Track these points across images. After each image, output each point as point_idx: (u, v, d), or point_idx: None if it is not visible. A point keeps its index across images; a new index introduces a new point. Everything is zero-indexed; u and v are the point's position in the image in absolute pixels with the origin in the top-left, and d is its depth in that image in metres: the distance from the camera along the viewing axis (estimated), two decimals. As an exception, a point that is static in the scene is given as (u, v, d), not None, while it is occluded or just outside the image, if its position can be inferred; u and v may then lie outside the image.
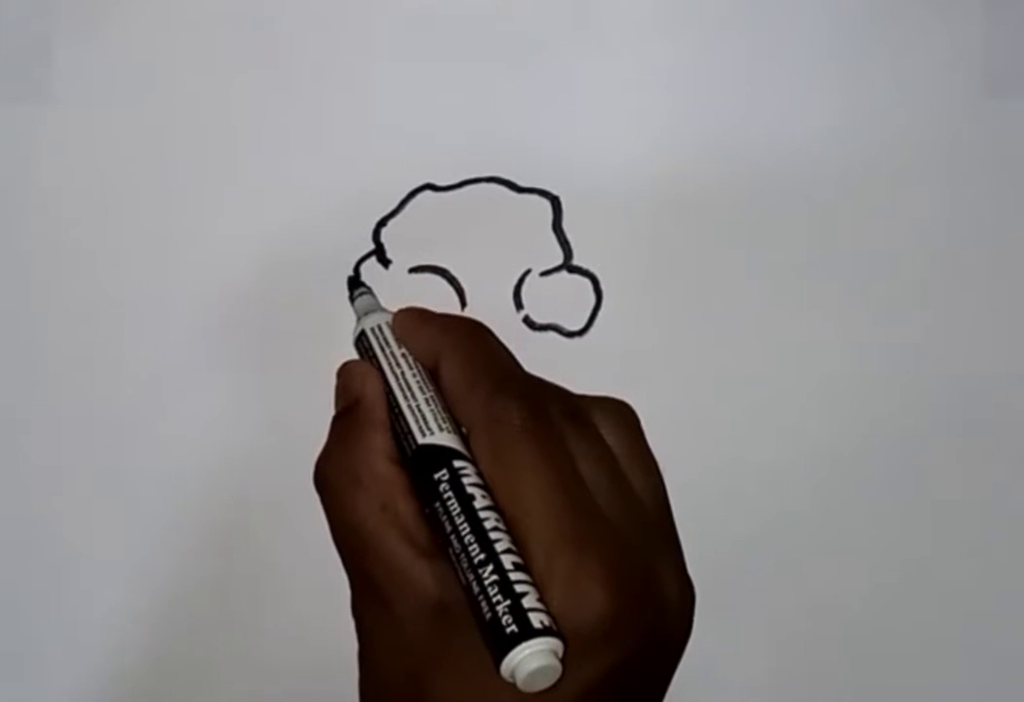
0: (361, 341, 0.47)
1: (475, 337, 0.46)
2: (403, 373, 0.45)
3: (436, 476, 0.41)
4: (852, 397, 0.55)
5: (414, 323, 0.46)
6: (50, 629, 0.55)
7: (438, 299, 0.54)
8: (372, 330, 0.47)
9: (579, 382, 0.46)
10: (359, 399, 0.45)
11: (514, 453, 0.41)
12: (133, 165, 0.55)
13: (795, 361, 0.55)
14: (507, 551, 0.39)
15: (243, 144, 0.55)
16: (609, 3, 0.56)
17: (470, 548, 0.39)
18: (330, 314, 0.52)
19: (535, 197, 0.55)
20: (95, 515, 0.55)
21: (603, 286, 0.55)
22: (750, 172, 0.55)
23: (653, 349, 0.55)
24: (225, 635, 0.55)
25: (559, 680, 0.38)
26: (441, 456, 0.42)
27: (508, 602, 0.38)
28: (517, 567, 0.39)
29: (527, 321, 0.55)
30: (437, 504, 0.41)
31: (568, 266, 0.55)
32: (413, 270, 0.55)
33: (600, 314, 0.55)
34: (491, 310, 0.53)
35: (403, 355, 0.45)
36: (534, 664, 0.37)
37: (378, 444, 0.43)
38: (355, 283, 0.51)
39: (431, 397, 0.44)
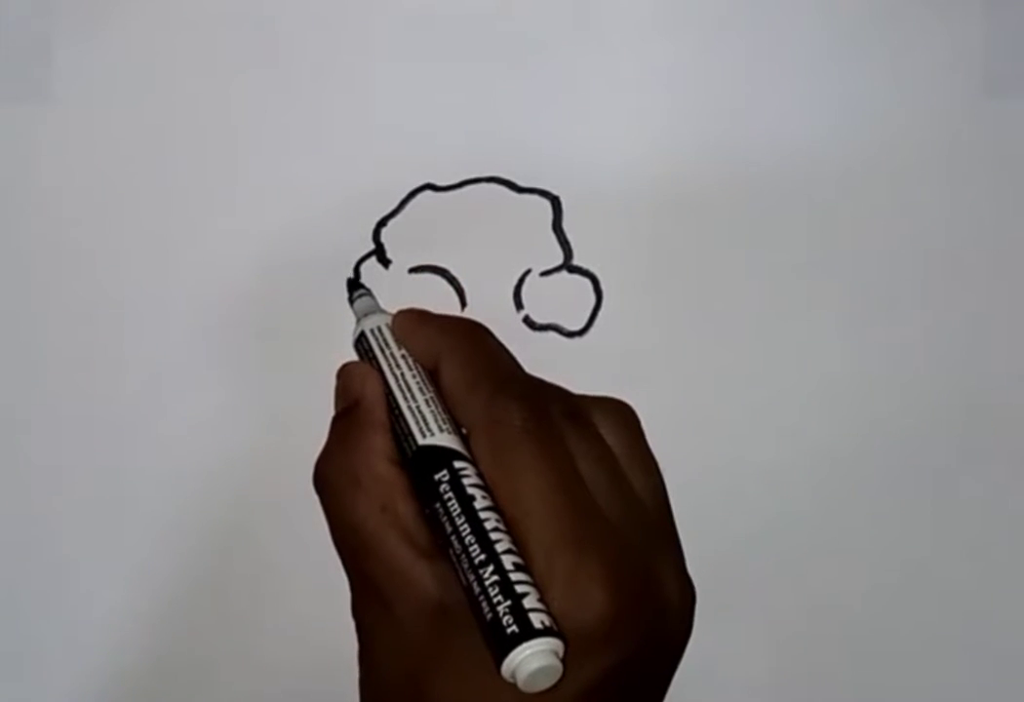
0: (361, 342, 0.47)
1: (475, 338, 0.46)
2: (403, 374, 0.45)
3: (436, 477, 0.41)
4: (852, 397, 0.55)
5: (413, 324, 0.46)
6: (50, 629, 0.55)
7: (438, 299, 0.54)
8: (372, 332, 0.47)
9: (579, 382, 0.46)
10: (359, 400, 0.45)
11: (514, 454, 0.41)
12: (133, 165, 0.55)
13: (795, 361, 0.55)
14: (508, 551, 0.39)
15: (243, 144, 0.55)
16: (609, 3, 0.55)
17: (471, 549, 0.39)
18: (330, 314, 0.52)
19: (535, 197, 0.55)
20: (95, 515, 0.55)
21: (603, 286, 0.55)
22: (750, 172, 0.55)
23: (653, 349, 0.55)
24: (225, 635, 0.55)
25: (560, 680, 0.38)
26: (441, 457, 0.42)
27: (509, 602, 0.38)
28: (518, 567, 0.39)
29: (527, 321, 0.55)
30: (438, 505, 0.41)
31: (568, 266, 0.55)
32: (413, 270, 0.55)
33: (600, 314, 0.55)
34: (491, 310, 0.53)
35: (403, 356, 0.45)
36: (535, 664, 0.37)
37: (378, 445, 0.43)
38: (354, 285, 0.51)
39: (431, 398, 0.44)
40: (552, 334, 0.55)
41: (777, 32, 0.56)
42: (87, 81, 0.55)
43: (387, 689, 0.42)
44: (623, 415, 0.45)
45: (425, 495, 0.41)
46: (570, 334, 0.55)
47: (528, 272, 0.55)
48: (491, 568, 0.39)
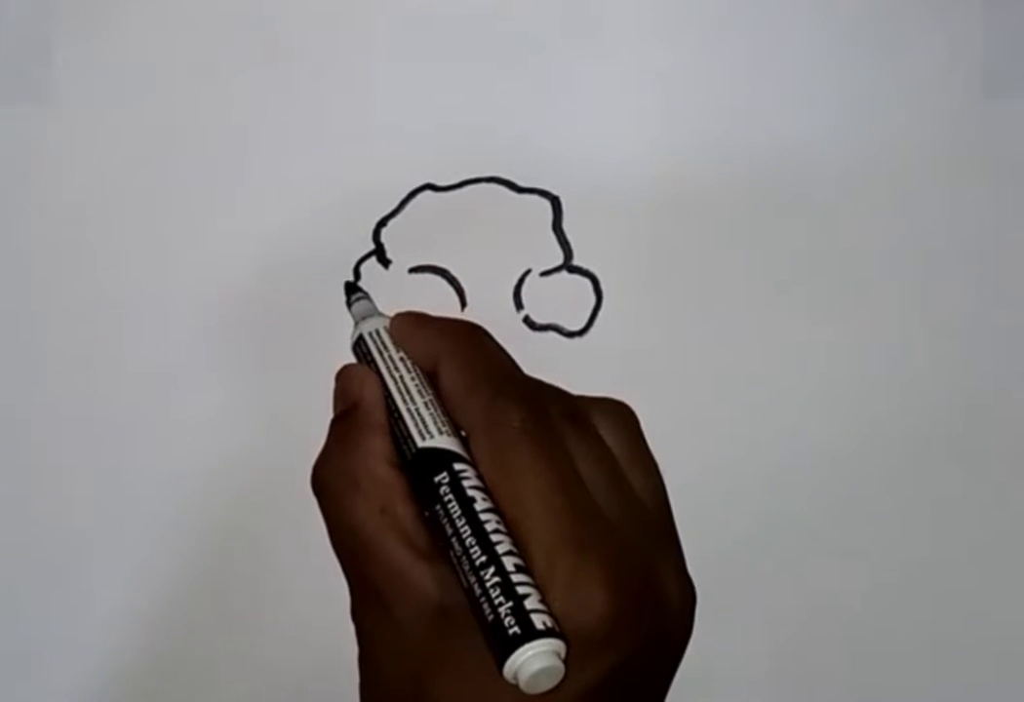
0: (359, 346, 0.47)
1: (473, 340, 0.46)
2: (402, 377, 0.45)
3: (436, 479, 0.41)
4: (852, 397, 0.55)
5: (411, 327, 0.46)
6: (50, 629, 0.55)
7: (438, 299, 0.54)
8: (370, 334, 0.47)
9: (579, 382, 0.46)
10: (358, 402, 0.45)
11: (514, 455, 0.41)
12: (133, 165, 0.55)
13: (795, 361, 0.55)
14: (508, 553, 0.39)
15: (243, 144, 0.55)
16: (609, 3, 0.55)
17: (471, 550, 0.39)
18: (330, 314, 0.52)
19: (535, 197, 0.55)
20: (95, 515, 0.55)
21: (603, 286, 0.55)
22: (750, 172, 0.55)
23: (653, 349, 0.55)
24: (225, 635, 0.55)
25: (561, 681, 0.38)
26: (441, 459, 0.42)
27: (510, 604, 0.38)
28: (519, 569, 0.39)
29: (527, 321, 0.55)
30: (438, 507, 0.41)
31: (568, 266, 0.55)
32: (413, 270, 0.55)
33: (600, 314, 0.55)
34: (491, 310, 0.53)
35: (401, 359, 0.45)
36: (537, 665, 0.37)
37: (377, 447, 0.43)
38: (352, 288, 0.51)
39: (430, 401, 0.44)
40: (552, 334, 0.55)
41: (777, 32, 0.56)
42: (87, 81, 0.55)
43: (388, 691, 0.42)
44: (623, 416, 0.45)
45: (425, 497, 0.41)
46: (570, 334, 0.55)
47: (528, 272, 0.55)
48: (492, 569, 0.39)
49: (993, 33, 0.56)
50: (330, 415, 0.46)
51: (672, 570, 0.43)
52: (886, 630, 0.55)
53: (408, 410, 0.43)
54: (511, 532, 0.40)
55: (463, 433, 0.43)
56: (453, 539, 0.40)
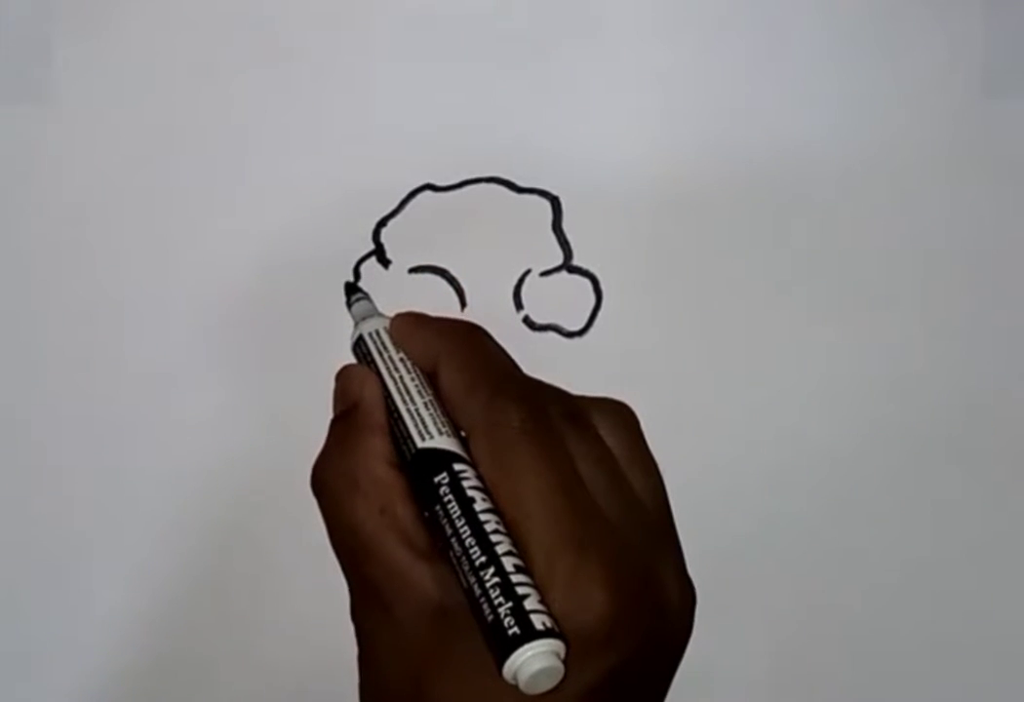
0: (359, 346, 0.47)
1: (472, 340, 0.46)
2: (401, 377, 0.45)
3: (436, 479, 0.41)
4: (852, 397, 0.55)
5: (411, 327, 0.46)
6: (50, 629, 0.55)
7: (438, 299, 0.54)
8: (370, 335, 0.47)
9: (579, 382, 0.46)
10: (357, 403, 0.45)
11: (513, 455, 0.41)
12: (133, 165, 0.55)
13: (795, 361, 0.55)
14: (508, 553, 0.39)
15: (243, 144, 0.55)
16: (609, 3, 0.55)
17: (471, 551, 0.39)
18: (330, 314, 0.52)
19: (535, 197, 0.55)
20: (95, 515, 0.55)
21: (603, 286, 0.55)
22: (750, 172, 0.55)
23: (653, 349, 0.55)
24: (225, 635, 0.55)
25: (561, 681, 0.38)
26: (441, 459, 0.42)
27: (510, 604, 0.38)
28: (518, 569, 0.39)
29: (527, 321, 0.55)
30: (437, 507, 0.41)
31: (568, 266, 0.55)
32: (413, 270, 0.55)
33: (600, 314, 0.55)
34: (491, 310, 0.53)
35: (401, 359, 0.45)
36: (537, 665, 0.37)
37: (376, 448, 0.43)
38: (352, 288, 0.51)
39: (430, 401, 0.44)
40: (552, 334, 0.55)
41: (777, 32, 0.56)
42: (87, 81, 0.55)
43: (388, 692, 0.42)
44: (623, 416, 0.45)
45: (425, 498, 0.41)
46: (570, 334, 0.55)
47: (528, 272, 0.55)
48: (492, 570, 0.38)
49: (993, 33, 0.56)
50: (330, 415, 0.46)
51: (672, 570, 0.43)
52: (886, 630, 0.55)
53: (408, 410, 0.43)
54: (511, 532, 0.40)
55: (463, 433, 0.43)
56: (453, 539, 0.40)
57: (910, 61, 0.56)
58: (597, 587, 0.39)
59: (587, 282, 0.55)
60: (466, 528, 0.40)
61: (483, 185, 0.55)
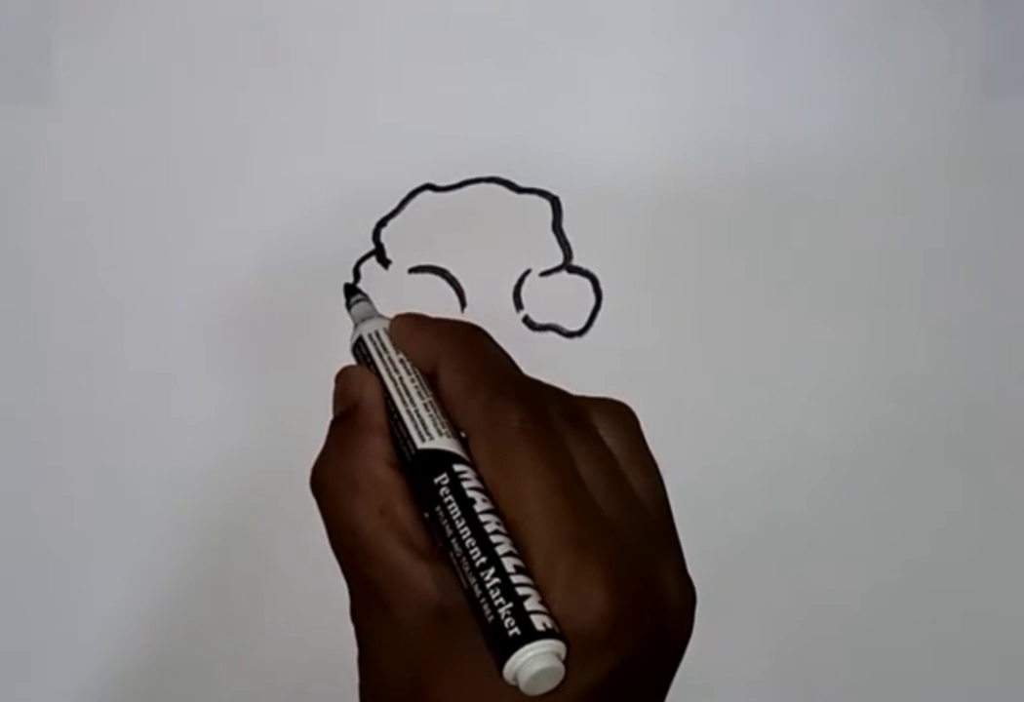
0: (359, 348, 0.47)
1: (472, 341, 0.46)
2: (401, 378, 0.45)
3: (436, 481, 0.41)
4: (852, 397, 0.55)
5: (411, 328, 0.46)
6: (50, 629, 0.55)
7: (438, 299, 0.54)
8: (370, 336, 0.46)
9: (579, 382, 0.46)
10: (357, 404, 0.45)
11: (513, 456, 0.41)
12: (133, 165, 0.55)
13: (795, 361, 0.55)
14: (508, 554, 0.39)
15: (243, 144, 0.55)
16: (609, 3, 0.55)
17: (471, 552, 0.39)
18: (330, 314, 0.52)
19: (535, 197, 0.55)
20: (95, 515, 0.55)
21: (603, 286, 0.55)
22: (750, 172, 0.55)
23: (653, 349, 0.55)
24: (225, 635, 0.55)
25: (562, 682, 0.38)
26: (441, 460, 0.42)
27: (510, 605, 0.38)
28: (519, 570, 0.39)
29: (527, 321, 0.55)
30: (438, 508, 0.41)
31: (568, 266, 0.55)
32: (413, 270, 0.55)
33: (600, 314, 0.55)
34: (491, 310, 0.53)
35: (401, 361, 0.45)
36: (537, 666, 0.37)
37: (376, 448, 0.43)
38: (351, 290, 0.51)
39: (430, 402, 0.44)
40: (552, 334, 0.55)
41: (777, 32, 0.56)
42: (87, 81, 0.55)
43: (388, 692, 0.42)
44: (622, 416, 0.45)
45: (425, 499, 0.41)
46: (570, 334, 0.55)
47: (528, 272, 0.55)
48: (492, 571, 0.38)
49: (993, 33, 0.56)
50: (329, 416, 0.46)
51: (672, 570, 0.43)
52: (886, 630, 0.55)
53: (408, 412, 0.43)
54: (511, 533, 0.40)
55: (463, 434, 0.43)
56: (453, 540, 0.40)
57: (910, 61, 0.56)
58: (597, 587, 0.39)
59: (587, 282, 0.55)
60: (466, 529, 0.40)
61: (483, 185, 0.55)
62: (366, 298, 0.50)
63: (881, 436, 0.55)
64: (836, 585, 0.55)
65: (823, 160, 0.55)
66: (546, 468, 0.41)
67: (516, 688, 0.38)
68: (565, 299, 0.55)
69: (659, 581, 0.42)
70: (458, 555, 0.39)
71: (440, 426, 0.43)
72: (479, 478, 0.41)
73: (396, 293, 0.51)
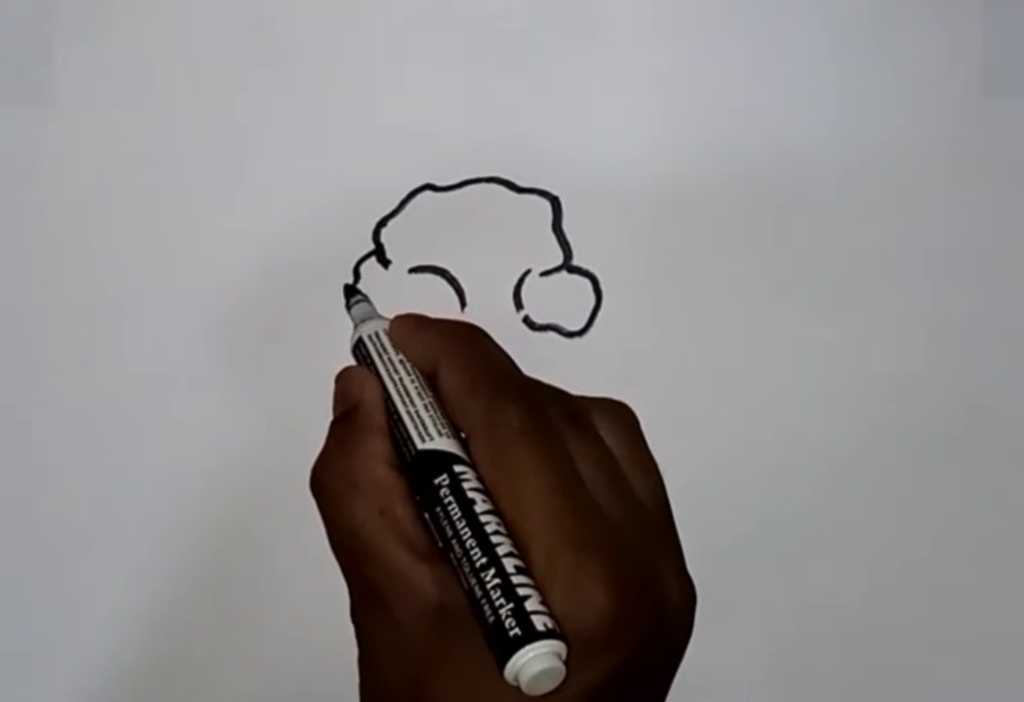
0: (359, 348, 0.47)
1: (472, 341, 0.46)
2: (401, 379, 0.45)
3: (436, 481, 0.41)
4: (852, 397, 0.55)
5: (411, 329, 0.46)
6: (50, 629, 0.55)
7: (438, 299, 0.54)
8: (369, 337, 0.46)
9: (579, 382, 0.45)
10: (358, 404, 0.44)
11: (513, 456, 0.41)
12: (133, 165, 0.55)
13: (795, 361, 0.55)
14: (509, 554, 0.39)
15: (243, 144, 0.55)
16: (609, 3, 0.55)
17: (472, 552, 0.39)
18: (330, 315, 0.52)
19: (535, 197, 0.55)
20: (95, 515, 0.55)
21: (603, 286, 0.55)
22: (750, 172, 0.55)
23: (653, 349, 0.55)
24: (225, 635, 0.55)
25: (562, 682, 0.38)
26: (441, 461, 0.42)
27: (511, 605, 0.38)
28: (519, 570, 0.39)
29: (527, 321, 0.55)
30: (438, 509, 0.41)
31: (568, 266, 0.55)
32: (413, 270, 0.55)
33: (600, 314, 0.55)
34: (491, 310, 0.53)
35: (401, 361, 0.45)
36: (538, 667, 0.37)
37: (376, 449, 0.43)
38: (351, 291, 0.51)
39: (430, 403, 0.44)
40: (552, 334, 0.55)
41: (777, 32, 0.56)
42: (87, 81, 0.55)
43: (388, 693, 0.42)
44: (623, 416, 0.45)
45: (425, 500, 0.41)
46: (570, 334, 0.55)
47: (528, 272, 0.55)
48: (492, 571, 0.38)
49: (993, 33, 0.56)
50: (329, 416, 0.46)
51: (672, 570, 0.43)
52: (886, 630, 0.55)
53: (408, 412, 0.43)
54: (511, 533, 0.40)
55: (463, 435, 0.43)
56: (453, 541, 0.40)
57: (910, 61, 0.56)
58: (598, 587, 0.39)
59: (587, 282, 0.55)
60: (467, 530, 0.40)
61: (483, 185, 0.55)
62: (366, 299, 0.50)
63: (881, 436, 0.55)
64: (836, 585, 0.55)
65: (823, 160, 0.55)
66: (546, 468, 0.41)
67: (516, 688, 0.38)
68: (565, 299, 0.55)
69: (659, 581, 0.42)
70: (458, 556, 0.39)
71: (440, 427, 0.43)
72: (479, 478, 0.41)
73: (396, 293, 0.51)
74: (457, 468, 0.41)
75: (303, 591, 0.54)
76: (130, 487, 0.55)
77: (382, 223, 0.55)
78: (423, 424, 0.43)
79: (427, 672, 0.40)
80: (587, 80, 0.55)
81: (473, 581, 0.39)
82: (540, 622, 0.37)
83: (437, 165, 0.55)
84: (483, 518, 0.40)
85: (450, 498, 0.40)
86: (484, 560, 0.39)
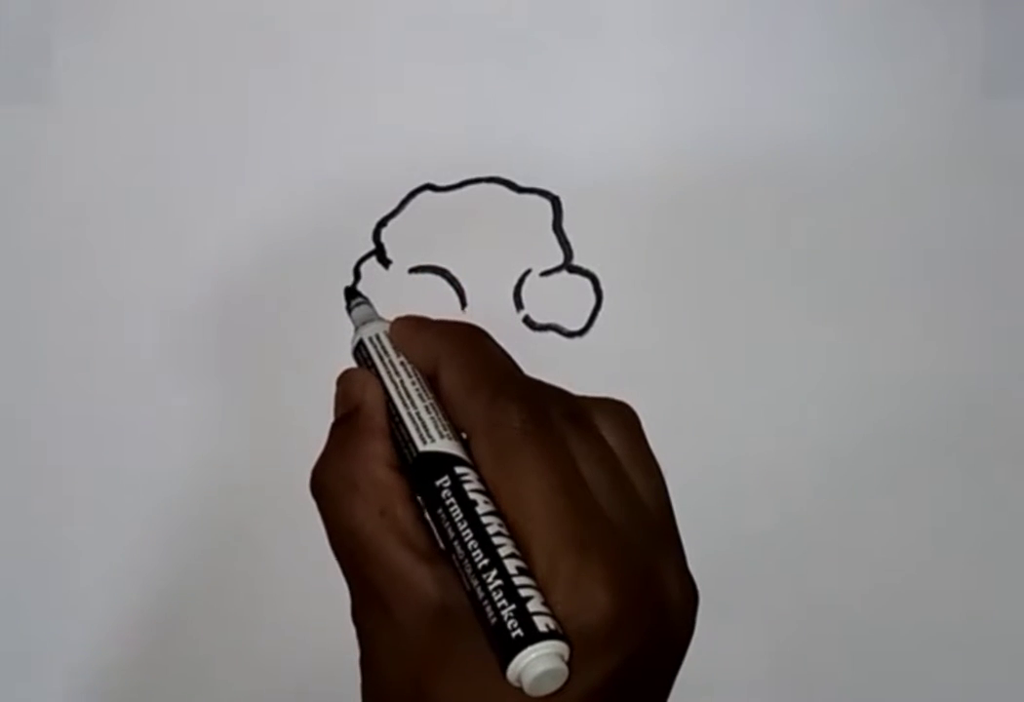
0: (359, 351, 0.47)
1: (473, 342, 0.46)
2: (402, 381, 0.44)
3: (438, 483, 0.41)
4: (852, 397, 0.55)
5: (411, 330, 0.46)
6: (49, 628, 0.55)
7: (438, 299, 0.54)
8: (370, 339, 0.46)
9: (579, 382, 0.45)
10: (359, 406, 0.44)
11: (515, 456, 0.41)
12: (133, 165, 0.55)
13: (795, 361, 0.55)
14: (510, 555, 0.39)
15: (243, 144, 0.55)
16: (609, 3, 0.55)
17: (473, 553, 0.39)
18: (330, 315, 0.52)
19: (535, 197, 0.55)
20: (95, 515, 0.55)
21: (603, 286, 0.55)
22: (750, 172, 0.55)
23: (653, 349, 0.55)
24: (223, 635, 0.55)
25: (565, 683, 0.38)
26: (442, 463, 0.42)
27: (513, 606, 0.38)
28: (521, 571, 0.39)
29: (527, 321, 0.55)
30: (440, 511, 0.41)
31: (568, 266, 0.55)
32: (413, 270, 0.55)
33: (600, 314, 0.55)
34: (491, 310, 0.53)
35: (401, 363, 0.45)
36: (541, 667, 0.37)
37: (377, 451, 0.43)
38: (352, 293, 0.51)
39: (431, 404, 0.44)
40: (552, 334, 0.55)
41: (777, 32, 0.56)
42: (87, 81, 0.55)
43: (389, 693, 0.42)
44: (624, 416, 0.45)
45: (427, 501, 0.41)
46: (570, 334, 0.55)
47: (528, 272, 0.55)
48: (494, 572, 0.38)
49: (993, 33, 0.56)
50: (330, 416, 0.46)
51: (674, 570, 0.43)
52: (886, 630, 0.55)
53: (409, 414, 0.43)
54: (513, 534, 0.40)
55: (464, 436, 0.43)
56: (455, 542, 0.40)
57: (910, 61, 0.56)
58: (599, 587, 0.39)
59: (587, 282, 0.55)
60: (468, 531, 0.40)
61: (483, 185, 0.55)
62: (366, 301, 0.50)
63: (881, 436, 0.55)
64: (836, 585, 0.55)
65: (823, 160, 0.55)
66: (548, 468, 0.41)
67: (518, 689, 0.38)
68: (565, 299, 0.55)
69: (661, 581, 0.42)
70: (460, 557, 0.39)
71: (441, 428, 0.43)
72: (480, 480, 0.41)
73: (396, 293, 0.51)
74: (458, 469, 0.41)
75: (303, 591, 0.54)
76: (130, 487, 0.55)
77: (382, 223, 0.55)
78: (424, 426, 0.43)
79: (428, 672, 0.40)
80: (587, 80, 0.55)
81: (475, 582, 0.39)
82: (542, 623, 0.37)
83: (437, 165, 0.55)
84: (485, 519, 0.40)
85: (452, 500, 0.40)
86: (486, 561, 0.39)
